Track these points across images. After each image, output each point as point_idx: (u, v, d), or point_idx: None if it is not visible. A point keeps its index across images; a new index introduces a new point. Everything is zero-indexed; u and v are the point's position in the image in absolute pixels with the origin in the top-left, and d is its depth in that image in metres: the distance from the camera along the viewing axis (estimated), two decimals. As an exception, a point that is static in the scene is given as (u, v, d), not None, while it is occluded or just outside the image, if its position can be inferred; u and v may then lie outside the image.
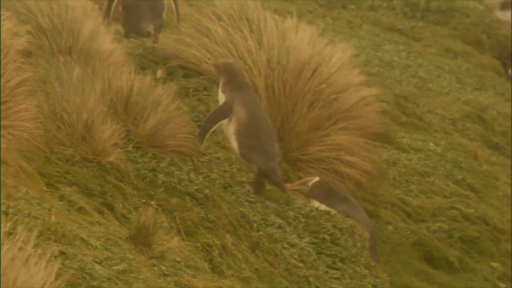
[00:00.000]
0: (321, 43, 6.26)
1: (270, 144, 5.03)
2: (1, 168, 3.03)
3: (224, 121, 4.93)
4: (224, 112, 4.97)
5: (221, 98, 5.06)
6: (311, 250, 4.61)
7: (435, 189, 7.34)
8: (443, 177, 7.65)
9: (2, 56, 3.41)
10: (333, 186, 5.67)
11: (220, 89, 5.14)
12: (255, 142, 4.97)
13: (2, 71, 3.36)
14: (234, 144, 4.96)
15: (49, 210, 3.17)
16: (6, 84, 3.39)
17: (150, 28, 6.35)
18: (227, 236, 4.07)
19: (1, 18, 3.60)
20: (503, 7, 14.91)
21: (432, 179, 7.51)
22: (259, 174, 4.99)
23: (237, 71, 5.22)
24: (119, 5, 6.42)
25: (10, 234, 2.23)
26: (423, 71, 11.10)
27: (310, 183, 5.46)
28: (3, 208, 2.65)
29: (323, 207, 5.31)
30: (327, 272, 4.48)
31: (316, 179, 5.54)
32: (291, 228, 4.75)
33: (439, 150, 8.20)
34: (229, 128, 4.96)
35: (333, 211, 5.25)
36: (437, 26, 13.44)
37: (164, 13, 6.55)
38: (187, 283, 3.21)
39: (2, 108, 3.22)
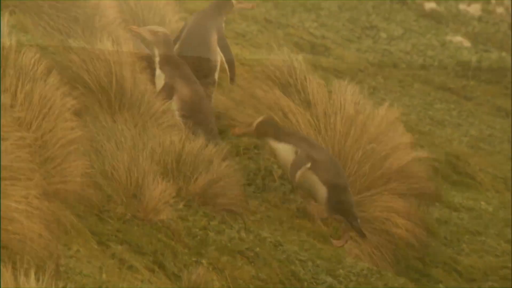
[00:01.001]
0: (370, 102, 6.26)
1: None
2: (53, 225, 3.06)
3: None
4: None
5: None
6: (362, 308, 4.56)
7: (487, 248, 7.20)
8: (495, 236, 7.51)
9: (52, 115, 3.48)
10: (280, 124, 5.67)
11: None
12: None
13: (54, 129, 3.42)
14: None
15: (100, 268, 3.18)
16: (58, 142, 3.44)
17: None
18: (278, 294, 4.05)
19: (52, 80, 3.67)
20: (556, 67, 14.77)
21: (483, 238, 7.38)
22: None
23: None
24: None
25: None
26: (474, 130, 10.99)
27: (254, 124, 5.44)
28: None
29: (275, 144, 5.30)
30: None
31: (261, 118, 5.52)
32: (342, 286, 4.70)
33: (490, 209, 8.06)
34: None
35: (288, 147, 5.21)
36: (488, 85, 13.33)
37: (215, 74, 6.58)
38: None
39: (53, 165, 3.27)
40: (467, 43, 14.01)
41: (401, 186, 6.06)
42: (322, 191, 5.32)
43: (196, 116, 5.18)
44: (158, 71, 5.21)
